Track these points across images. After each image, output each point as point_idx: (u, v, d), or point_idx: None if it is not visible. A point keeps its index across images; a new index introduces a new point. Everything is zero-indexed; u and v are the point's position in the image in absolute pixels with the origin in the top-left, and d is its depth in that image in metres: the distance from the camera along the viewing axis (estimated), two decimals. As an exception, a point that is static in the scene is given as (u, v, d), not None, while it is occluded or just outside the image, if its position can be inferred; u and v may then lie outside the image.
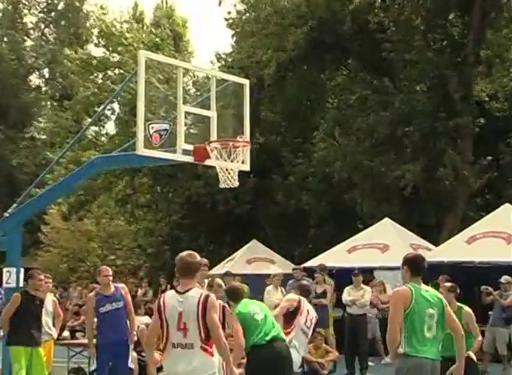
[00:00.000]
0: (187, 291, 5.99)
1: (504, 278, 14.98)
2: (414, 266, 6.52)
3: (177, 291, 6.04)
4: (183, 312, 5.89)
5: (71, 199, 31.97)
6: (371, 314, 15.85)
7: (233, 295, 8.38)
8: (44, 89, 46.32)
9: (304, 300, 9.33)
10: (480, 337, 8.63)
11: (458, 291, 8.77)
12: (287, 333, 8.66)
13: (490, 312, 14.95)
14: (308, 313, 9.25)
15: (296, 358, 8.75)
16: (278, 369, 7.81)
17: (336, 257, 18.17)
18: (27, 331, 9.43)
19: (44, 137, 42.77)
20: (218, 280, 10.35)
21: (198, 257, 6.25)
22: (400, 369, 6.25)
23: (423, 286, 6.43)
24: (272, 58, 24.05)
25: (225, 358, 6.08)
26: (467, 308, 8.55)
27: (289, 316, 8.98)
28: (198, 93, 24.07)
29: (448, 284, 8.91)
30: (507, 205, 17.69)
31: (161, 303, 6.03)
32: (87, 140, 34.25)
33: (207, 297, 5.95)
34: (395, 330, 6.21)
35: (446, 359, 6.90)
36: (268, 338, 7.81)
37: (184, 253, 6.24)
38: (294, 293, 9.71)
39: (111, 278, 10.26)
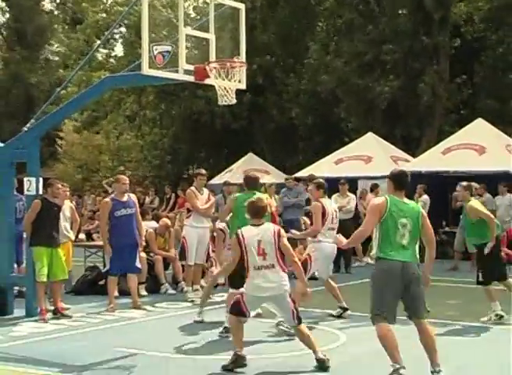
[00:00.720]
0: (261, 224, 6.91)
1: (459, 184, 15.17)
2: (397, 181, 6.55)
3: (253, 225, 6.93)
4: (262, 241, 6.77)
5: (84, 116, 31.88)
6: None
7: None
8: (56, 13, 45.43)
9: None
10: (493, 223, 9.23)
11: (472, 190, 9.80)
12: None
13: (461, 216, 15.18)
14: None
15: None
16: None
17: (324, 168, 18.26)
18: (47, 233, 9.56)
19: (57, 58, 42.22)
20: None
21: (265, 202, 7.20)
22: (373, 272, 6.48)
23: (404, 199, 6.49)
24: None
25: (298, 272, 7.16)
26: (469, 203, 9.47)
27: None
28: (198, 17, 23.66)
29: (463, 184, 9.71)
30: (480, 119, 17.69)
31: (241, 236, 6.86)
32: (97, 61, 33.87)
33: (279, 229, 6.95)
34: (365, 232, 6.47)
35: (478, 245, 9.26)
36: None
37: (255, 198, 7.29)
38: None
39: (128, 186, 10.41)
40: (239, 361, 6.77)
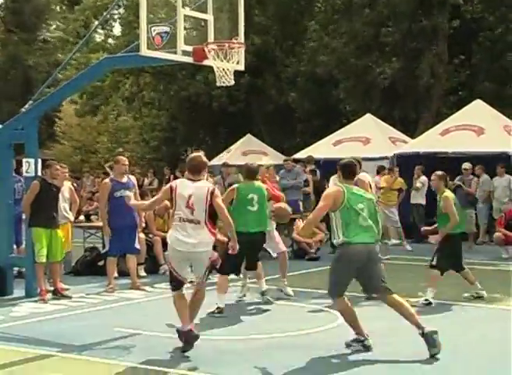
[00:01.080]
0: (198, 181, 6.78)
1: (465, 164, 15.19)
2: (345, 171, 6.93)
3: (189, 179, 6.83)
4: (193, 195, 6.62)
5: (83, 100, 31.79)
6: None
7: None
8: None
9: None
10: (454, 220, 9.09)
11: (447, 180, 9.59)
12: None
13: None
14: None
15: None
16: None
17: (322, 149, 18.24)
18: (46, 214, 9.55)
19: (55, 40, 41.96)
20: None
21: (204, 157, 7.10)
22: (339, 256, 6.74)
23: (354, 187, 6.89)
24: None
25: (230, 229, 6.92)
26: (445, 194, 9.24)
27: None
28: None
29: (439, 172, 9.57)
30: (478, 100, 17.63)
31: (174, 185, 6.81)
32: (96, 43, 33.69)
33: (214, 188, 6.80)
34: (315, 219, 6.95)
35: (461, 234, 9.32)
36: None
37: (194, 154, 7.18)
38: None
39: (127, 167, 10.42)
40: (188, 339, 6.57)
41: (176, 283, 6.78)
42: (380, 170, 15.59)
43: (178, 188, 6.72)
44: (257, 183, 9.03)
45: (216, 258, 6.82)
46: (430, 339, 6.47)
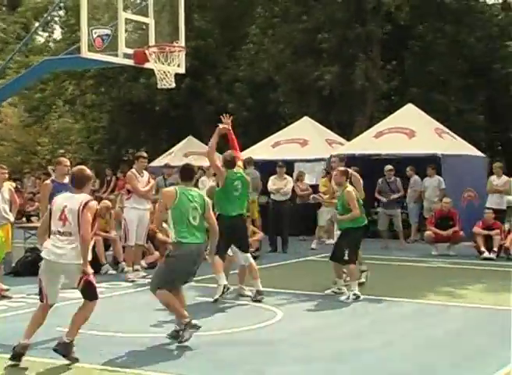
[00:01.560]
0: (78, 193, 6.43)
1: (387, 166, 15.51)
2: (183, 174, 7.27)
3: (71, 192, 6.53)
4: (67, 207, 6.28)
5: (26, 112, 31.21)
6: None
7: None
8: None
9: None
10: (356, 212, 9.31)
11: (349, 175, 9.68)
12: None
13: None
14: None
15: None
16: None
17: (261, 151, 18.32)
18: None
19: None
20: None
21: (88, 172, 6.63)
22: (173, 254, 6.93)
23: (191, 188, 7.21)
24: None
25: (84, 249, 6.28)
26: (348, 189, 9.39)
27: None
28: (138, 1, 23.32)
29: (341, 168, 9.88)
30: (410, 105, 18.00)
31: (53, 200, 6.52)
32: (37, 45, 33.06)
33: (88, 201, 6.31)
34: (160, 214, 7.28)
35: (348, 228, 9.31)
36: None
37: (76, 168, 6.71)
38: None
39: (68, 168, 10.27)
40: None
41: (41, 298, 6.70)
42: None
43: (54, 202, 6.43)
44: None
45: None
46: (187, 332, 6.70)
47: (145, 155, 11.43)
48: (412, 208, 16.15)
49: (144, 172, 11.23)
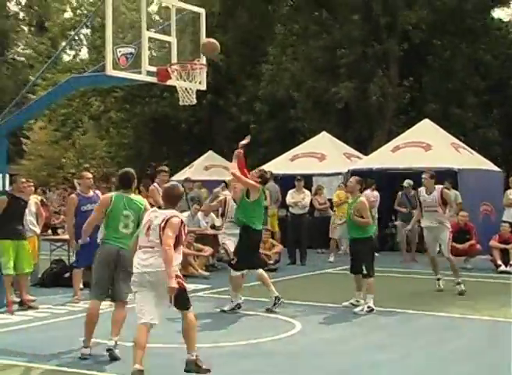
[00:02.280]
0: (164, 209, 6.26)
1: (406, 182, 15.39)
2: (122, 181, 7.20)
3: (159, 207, 6.47)
4: (152, 222, 6.14)
5: (55, 127, 31.57)
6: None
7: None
8: (21, 15, 44.63)
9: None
10: (369, 220, 9.30)
11: (363, 185, 9.91)
12: None
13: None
14: None
15: None
16: None
17: (280, 165, 18.32)
18: (13, 227, 9.39)
19: (23, 59, 41.49)
20: None
21: (181, 189, 6.44)
22: (97, 252, 7.08)
23: (132, 195, 7.13)
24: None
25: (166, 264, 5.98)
26: (362, 198, 9.34)
27: None
28: (161, 20, 23.53)
29: (357, 178, 9.71)
30: (426, 120, 17.93)
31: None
32: (64, 63, 33.44)
33: (171, 216, 6.09)
34: (93, 219, 7.41)
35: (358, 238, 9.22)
36: None
37: (169, 185, 6.49)
38: None
39: (92, 181, 10.43)
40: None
41: None
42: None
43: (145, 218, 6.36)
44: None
45: None
46: None
47: (166, 169, 11.49)
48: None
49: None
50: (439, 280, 10.71)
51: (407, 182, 15.40)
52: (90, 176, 10.44)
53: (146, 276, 6.04)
